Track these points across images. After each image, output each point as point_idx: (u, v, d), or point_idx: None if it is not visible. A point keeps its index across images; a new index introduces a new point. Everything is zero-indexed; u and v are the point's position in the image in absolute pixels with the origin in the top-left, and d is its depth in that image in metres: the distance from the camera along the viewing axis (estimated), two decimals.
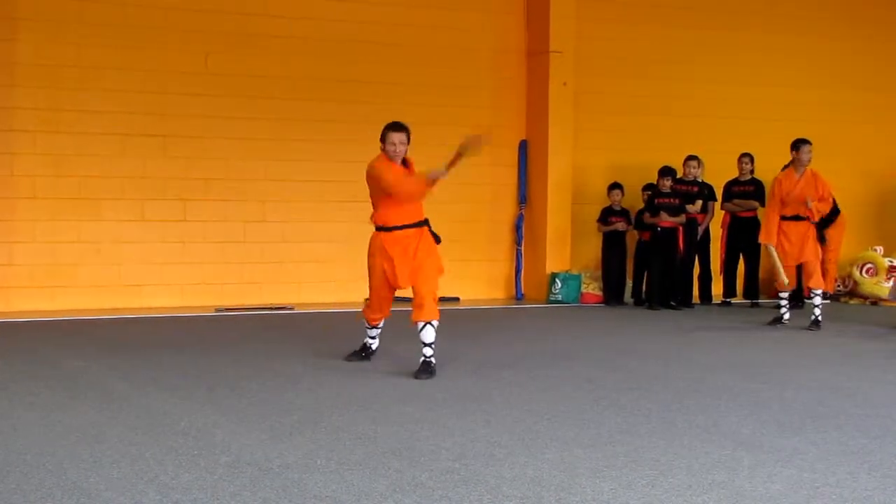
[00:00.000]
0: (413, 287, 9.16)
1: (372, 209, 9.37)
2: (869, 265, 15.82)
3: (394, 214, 9.22)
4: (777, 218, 12.69)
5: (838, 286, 15.79)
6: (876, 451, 6.47)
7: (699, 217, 15.03)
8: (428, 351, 9.06)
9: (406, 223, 9.29)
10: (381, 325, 9.83)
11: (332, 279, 14.40)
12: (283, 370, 9.23)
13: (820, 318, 12.48)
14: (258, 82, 14.07)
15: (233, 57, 13.97)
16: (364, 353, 9.84)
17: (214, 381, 8.64)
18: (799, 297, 14.05)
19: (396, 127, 9.29)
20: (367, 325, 9.79)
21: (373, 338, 9.90)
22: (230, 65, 13.95)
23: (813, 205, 12.34)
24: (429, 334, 9.04)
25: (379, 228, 9.31)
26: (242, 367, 9.34)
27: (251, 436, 6.66)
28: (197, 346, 10.73)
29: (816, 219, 12.51)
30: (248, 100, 14.00)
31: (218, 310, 13.30)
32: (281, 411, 7.44)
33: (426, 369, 8.96)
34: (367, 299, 9.84)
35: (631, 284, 15.15)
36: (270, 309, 13.46)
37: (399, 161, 9.26)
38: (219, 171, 13.89)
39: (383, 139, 9.25)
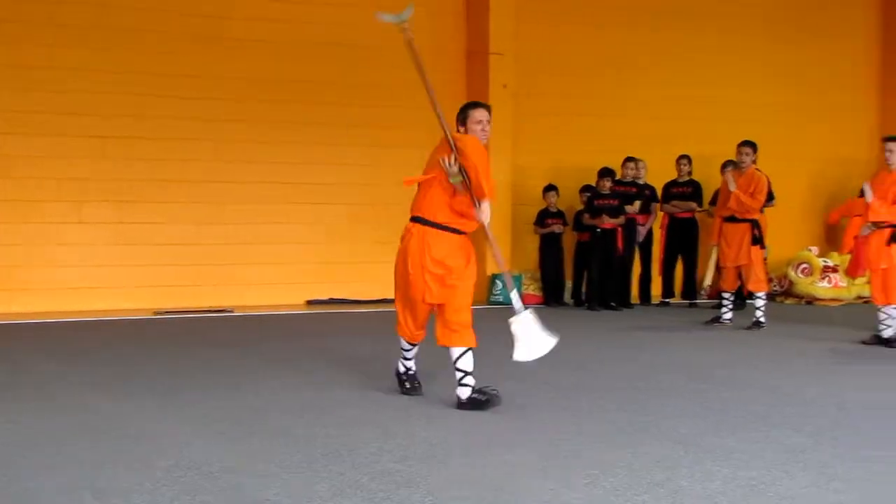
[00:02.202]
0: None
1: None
2: (804, 265, 16.01)
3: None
4: (719, 219, 12.90)
5: (774, 286, 15.95)
6: (811, 450, 6.55)
7: (639, 218, 15.14)
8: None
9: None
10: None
11: (273, 282, 14.32)
12: (222, 373, 9.18)
13: (762, 319, 12.62)
14: (198, 83, 13.96)
15: (178, 58, 13.85)
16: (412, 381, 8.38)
17: (153, 384, 8.57)
18: (741, 297, 14.18)
19: (478, 104, 8.10)
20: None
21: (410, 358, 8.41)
22: (174, 66, 13.83)
23: (736, 192, 12.49)
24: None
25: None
26: (181, 371, 9.28)
27: (190, 440, 6.61)
28: (135, 350, 10.64)
29: (733, 205, 12.58)
30: (187, 101, 13.89)
31: (157, 312, 13.20)
32: (221, 415, 7.40)
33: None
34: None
35: (570, 285, 15.23)
36: (211, 312, 13.38)
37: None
38: (157, 173, 13.78)
39: (464, 121, 8.01)
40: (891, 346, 11.15)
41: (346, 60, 14.62)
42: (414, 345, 8.25)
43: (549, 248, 14.96)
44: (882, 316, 11.37)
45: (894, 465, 6.23)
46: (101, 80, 13.58)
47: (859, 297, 15.75)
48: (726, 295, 13.02)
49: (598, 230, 14.48)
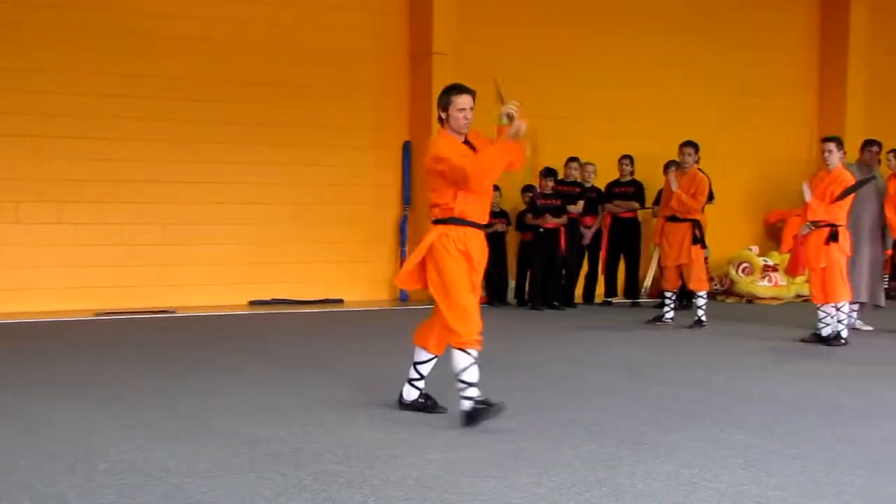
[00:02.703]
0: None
1: (438, 198, 7.32)
2: (745, 264, 16.15)
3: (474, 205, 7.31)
4: (661, 219, 13.01)
5: (715, 285, 16.08)
6: (752, 447, 6.61)
7: (586, 219, 15.20)
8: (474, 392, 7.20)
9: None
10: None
11: (216, 282, 14.23)
12: (163, 375, 9.10)
13: (703, 318, 12.71)
14: (134, 81, 13.81)
15: (117, 57, 13.69)
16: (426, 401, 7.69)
17: (93, 386, 8.49)
18: (685, 297, 14.26)
19: (461, 88, 7.28)
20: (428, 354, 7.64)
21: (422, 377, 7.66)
22: (114, 65, 13.68)
23: (678, 192, 12.59)
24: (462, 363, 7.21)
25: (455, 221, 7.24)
26: (122, 372, 9.19)
27: (131, 441, 6.56)
28: (76, 352, 10.53)
29: (675, 204, 12.69)
30: (128, 100, 13.75)
31: (98, 314, 13.07)
32: (162, 416, 7.34)
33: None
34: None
35: (514, 285, 15.26)
36: (153, 312, 13.27)
37: (464, 136, 7.31)
38: (97, 173, 13.63)
39: (445, 107, 7.22)
40: (829, 345, 11.27)
41: (288, 61, 14.55)
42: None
43: (492, 248, 14.90)
44: (821, 314, 11.48)
45: (832, 461, 6.30)
46: (39, 80, 13.41)
47: (799, 296, 15.91)
48: (668, 294, 13.10)
49: (541, 230, 14.52)
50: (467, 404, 7.06)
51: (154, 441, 6.59)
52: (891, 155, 15.55)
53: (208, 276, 14.17)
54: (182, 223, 14.06)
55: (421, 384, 7.60)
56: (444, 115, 7.22)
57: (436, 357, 7.52)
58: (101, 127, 13.61)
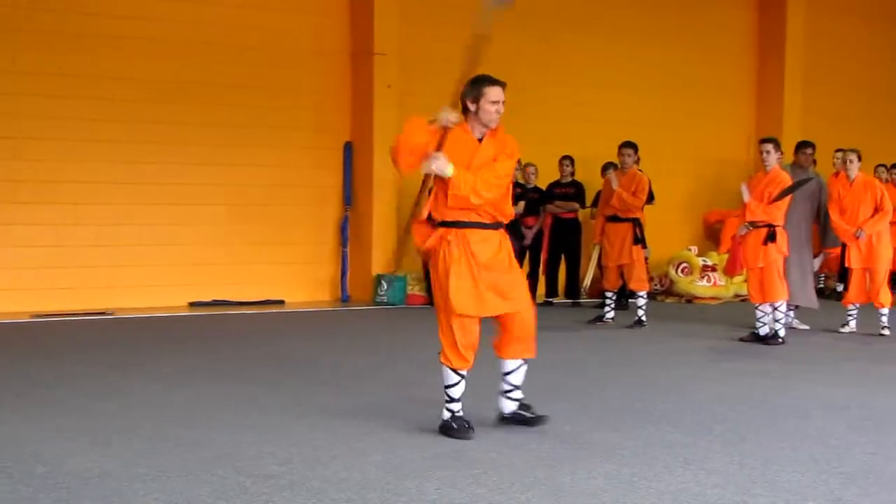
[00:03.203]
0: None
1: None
2: (684, 265, 16.27)
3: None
4: (602, 219, 13.08)
5: (655, 285, 16.18)
6: (691, 446, 6.67)
7: (528, 220, 15.23)
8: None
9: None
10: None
11: (155, 283, 14.09)
12: (100, 377, 9.01)
13: (643, 317, 12.80)
14: (71, 82, 13.63)
15: (55, 57, 13.49)
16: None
17: (28, 389, 8.39)
18: (625, 296, 14.31)
19: (494, 80, 6.88)
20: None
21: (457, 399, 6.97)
22: (51, 65, 13.47)
23: (619, 190, 12.67)
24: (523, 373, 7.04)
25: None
26: (58, 375, 9.08)
27: (68, 445, 6.49)
28: (10, 354, 10.39)
29: (616, 203, 12.77)
30: (59, 100, 13.54)
31: (34, 315, 12.91)
32: (99, 419, 7.27)
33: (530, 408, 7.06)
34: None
35: None
36: (90, 314, 13.13)
37: (491, 128, 6.86)
38: (31, 174, 13.42)
39: (476, 98, 6.80)
40: (767, 343, 11.38)
41: (228, 61, 14.45)
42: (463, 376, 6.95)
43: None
44: (759, 314, 11.59)
45: (770, 459, 6.37)
46: None
47: (737, 296, 16.05)
48: (609, 294, 13.17)
49: None
50: (446, 415, 6.90)
51: (91, 445, 6.52)
52: (838, 155, 15.78)
53: (147, 277, 14.03)
54: (119, 224, 13.89)
55: (515, 394, 7.04)
56: (473, 107, 6.76)
57: (523, 362, 6.99)
58: (36, 127, 13.40)
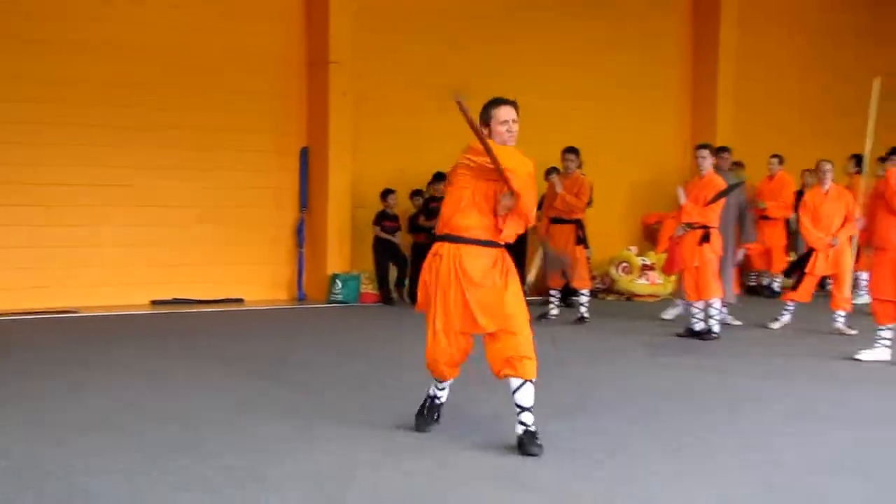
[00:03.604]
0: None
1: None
2: (624, 264, 16.35)
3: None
4: (546, 221, 13.13)
5: (597, 284, 16.24)
6: (631, 434, 6.73)
7: None
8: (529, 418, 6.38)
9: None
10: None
11: (118, 283, 13.96)
12: (65, 373, 8.90)
13: (585, 314, 12.85)
14: (43, 87, 13.42)
15: (17, 62, 13.32)
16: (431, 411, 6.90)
17: None
18: (568, 294, 14.33)
19: (501, 100, 6.58)
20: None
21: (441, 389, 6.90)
22: (12, 70, 13.30)
23: (562, 193, 12.73)
24: (529, 394, 6.38)
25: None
26: (24, 371, 8.98)
27: (33, 442, 6.43)
28: None
29: (559, 205, 12.82)
30: (32, 104, 13.30)
31: (2, 314, 12.76)
32: (64, 414, 7.22)
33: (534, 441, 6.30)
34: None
35: (408, 284, 15.25)
36: (55, 313, 12.98)
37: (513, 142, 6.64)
38: (3, 176, 13.23)
39: (487, 121, 6.51)
40: (702, 339, 11.47)
41: (190, 67, 14.32)
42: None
43: (384, 250, 14.95)
44: (694, 311, 11.68)
45: (704, 446, 6.44)
46: None
47: (674, 294, 16.17)
48: (553, 292, 13.23)
49: (433, 231, 14.53)
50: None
51: (56, 439, 6.48)
52: (774, 160, 15.98)
53: (111, 276, 13.90)
54: (85, 224, 13.77)
55: (522, 417, 6.34)
56: (487, 130, 6.44)
57: (523, 381, 6.33)
58: (9, 132, 13.23)
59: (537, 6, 16.97)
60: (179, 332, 11.72)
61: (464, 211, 6.53)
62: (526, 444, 6.22)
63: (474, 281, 6.39)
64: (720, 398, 8.14)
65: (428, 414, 6.82)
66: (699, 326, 11.62)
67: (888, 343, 10.09)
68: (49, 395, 7.89)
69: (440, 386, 6.82)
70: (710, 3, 18.60)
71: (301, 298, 15.08)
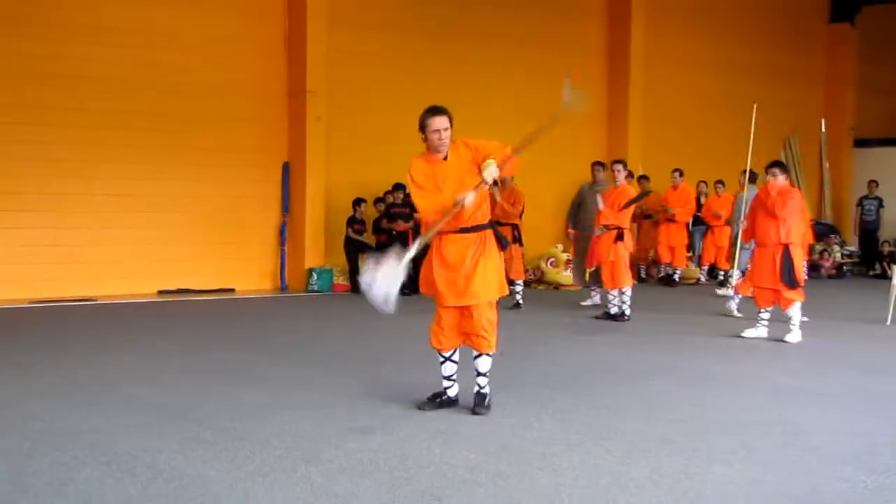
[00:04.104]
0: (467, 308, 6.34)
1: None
2: (552, 259, 16.40)
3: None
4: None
5: (530, 275, 16.28)
6: (559, 401, 6.77)
7: None
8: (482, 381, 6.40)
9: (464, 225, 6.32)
10: (454, 357, 6.52)
11: (130, 275, 13.82)
12: (84, 352, 8.81)
13: (521, 301, 12.88)
14: (74, 115, 13.32)
15: (50, 94, 13.17)
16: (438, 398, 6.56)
17: (25, 361, 8.21)
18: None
19: (435, 110, 6.36)
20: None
21: (448, 377, 6.53)
22: (49, 101, 13.14)
23: (501, 202, 12.75)
24: (484, 363, 6.39)
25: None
26: (51, 350, 8.88)
27: (59, 406, 6.39)
28: (11, 334, 10.11)
29: (498, 211, 12.84)
30: (53, 128, 13.23)
31: (32, 302, 12.59)
32: (80, 386, 7.15)
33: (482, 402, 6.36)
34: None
35: None
36: (76, 301, 12.83)
37: (443, 153, 6.31)
38: (38, 187, 12.99)
39: (422, 129, 6.32)
40: (617, 321, 11.55)
41: (188, 97, 14.19)
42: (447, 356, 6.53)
43: (353, 248, 14.92)
44: (610, 297, 11.76)
45: (619, 410, 6.49)
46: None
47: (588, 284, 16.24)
48: None
49: (394, 232, 14.54)
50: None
51: (76, 406, 6.44)
52: (676, 174, 16.12)
53: (123, 270, 13.79)
54: (104, 228, 13.64)
55: (478, 380, 6.39)
56: (423, 137, 6.30)
57: (477, 354, 6.36)
58: (38, 150, 13.05)
59: (476, 40, 16.96)
60: (181, 317, 11.65)
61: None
62: (476, 405, 6.30)
63: (447, 263, 6.35)
64: (631, 369, 8.20)
65: (433, 398, 6.51)
66: (615, 310, 11.70)
67: (766, 323, 10.21)
68: (69, 370, 7.82)
69: (442, 374, 6.52)
70: (621, 45, 18.73)
71: (283, 288, 15.02)
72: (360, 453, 5.34)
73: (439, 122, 6.23)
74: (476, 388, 6.39)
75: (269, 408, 6.42)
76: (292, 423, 5.97)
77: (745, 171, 14.31)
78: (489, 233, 6.44)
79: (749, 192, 15.41)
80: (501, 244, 6.49)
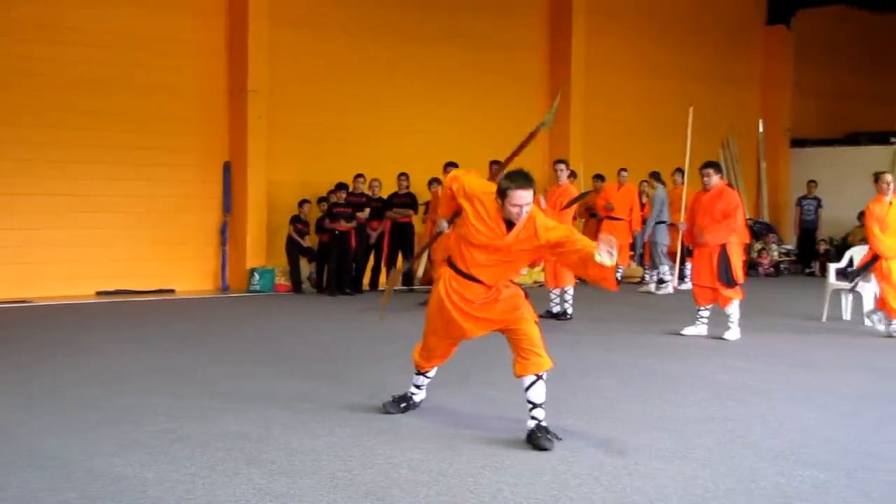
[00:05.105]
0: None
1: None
2: None
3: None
4: (430, 223, 13.18)
5: None
6: (503, 400, 6.79)
7: (374, 224, 15.19)
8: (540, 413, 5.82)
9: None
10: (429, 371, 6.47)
11: (68, 276, 13.60)
12: (22, 353, 8.66)
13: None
14: (25, 114, 13.10)
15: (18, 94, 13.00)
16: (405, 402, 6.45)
17: None
18: None
19: (522, 182, 5.61)
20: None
21: (419, 386, 6.49)
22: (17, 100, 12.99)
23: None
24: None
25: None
26: None
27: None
28: None
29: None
30: (12, 128, 13.01)
31: None
32: (22, 389, 7.03)
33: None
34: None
35: (315, 276, 15.15)
36: (13, 302, 12.58)
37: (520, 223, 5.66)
38: None
39: (503, 195, 5.60)
40: (559, 319, 11.62)
41: (127, 96, 13.98)
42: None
43: (294, 248, 14.83)
44: (552, 296, 11.83)
45: (559, 408, 6.53)
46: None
47: (536, 282, 16.30)
48: (437, 280, 13.25)
49: (336, 232, 14.48)
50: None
51: (11, 409, 6.32)
52: (624, 173, 16.26)
53: (61, 272, 13.56)
54: (41, 228, 13.40)
55: (534, 412, 5.84)
56: (500, 201, 5.63)
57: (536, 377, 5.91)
58: None
59: (418, 41, 16.93)
60: (121, 318, 11.49)
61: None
62: (531, 438, 5.71)
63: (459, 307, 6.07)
64: (572, 366, 8.24)
65: (397, 401, 6.41)
66: (556, 309, 11.77)
67: (706, 321, 10.35)
68: (7, 371, 7.67)
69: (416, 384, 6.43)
70: (563, 48, 18.86)
71: (224, 289, 14.88)
72: (303, 454, 5.32)
73: (521, 197, 5.56)
74: (535, 423, 5.83)
75: (210, 409, 6.36)
76: (234, 424, 5.92)
77: (678, 170, 14.55)
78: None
79: (659, 192, 15.80)
80: None
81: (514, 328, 5.88)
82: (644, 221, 16.08)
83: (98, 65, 13.78)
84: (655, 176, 16.22)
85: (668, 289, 15.07)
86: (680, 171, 14.45)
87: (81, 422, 5.95)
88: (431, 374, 6.44)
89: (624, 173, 16.33)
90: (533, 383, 5.79)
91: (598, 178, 16.98)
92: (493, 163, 13.29)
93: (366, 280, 15.33)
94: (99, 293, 13.69)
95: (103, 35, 13.79)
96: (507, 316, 5.89)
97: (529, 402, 5.76)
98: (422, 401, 6.46)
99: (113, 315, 11.86)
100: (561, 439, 5.64)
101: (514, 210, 5.58)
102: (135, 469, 5.00)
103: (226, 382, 7.35)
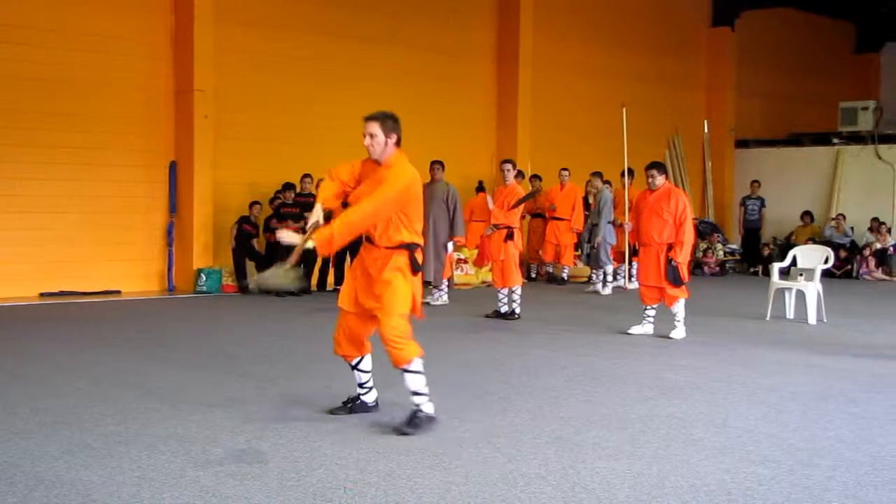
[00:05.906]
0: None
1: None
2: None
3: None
4: None
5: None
6: (452, 400, 6.80)
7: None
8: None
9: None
10: (360, 364, 6.37)
11: (11, 278, 13.38)
12: None
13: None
14: None
15: None
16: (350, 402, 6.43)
17: None
18: None
19: (368, 116, 6.34)
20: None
21: (362, 385, 6.41)
22: None
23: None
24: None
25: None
26: None
27: None
28: None
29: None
30: None
31: None
32: None
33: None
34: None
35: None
36: None
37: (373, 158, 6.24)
38: None
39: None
40: (507, 319, 11.67)
41: (74, 96, 13.81)
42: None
43: (242, 249, 14.74)
44: (500, 296, 11.87)
45: (507, 407, 6.55)
46: None
47: (484, 282, 16.35)
48: None
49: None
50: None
51: None
52: (565, 173, 16.34)
53: (4, 273, 13.33)
54: None
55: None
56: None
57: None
58: None
59: (366, 41, 16.89)
60: (65, 320, 11.33)
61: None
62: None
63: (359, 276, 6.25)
64: (520, 366, 8.29)
65: (346, 403, 6.40)
66: (504, 309, 11.81)
67: (652, 320, 10.46)
68: None
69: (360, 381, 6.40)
70: (510, 49, 18.93)
71: (171, 290, 14.74)
72: (250, 455, 5.29)
73: (367, 126, 6.21)
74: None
75: (156, 411, 6.30)
76: (180, 427, 5.88)
77: (623, 172, 14.67)
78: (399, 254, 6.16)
79: (605, 192, 15.94)
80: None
81: (377, 318, 6.02)
82: (585, 221, 16.15)
83: (39, 64, 13.58)
84: (598, 175, 16.39)
85: (608, 289, 15.16)
86: (630, 171, 14.56)
87: (23, 425, 5.86)
88: (366, 366, 6.34)
89: (564, 173, 16.45)
90: (405, 372, 5.94)
91: (536, 178, 17.10)
92: (434, 163, 13.38)
93: (314, 281, 15.27)
94: (43, 294, 13.49)
95: (44, 33, 13.60)
96: (372, 303, 6.03)
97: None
98: (374, 402, 6.42)
99: (57, 317, 11.69)
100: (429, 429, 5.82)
101: (364, 139, 6.16)
102: (79, 472, 4.94)
103: (172, 384, 7.28)
